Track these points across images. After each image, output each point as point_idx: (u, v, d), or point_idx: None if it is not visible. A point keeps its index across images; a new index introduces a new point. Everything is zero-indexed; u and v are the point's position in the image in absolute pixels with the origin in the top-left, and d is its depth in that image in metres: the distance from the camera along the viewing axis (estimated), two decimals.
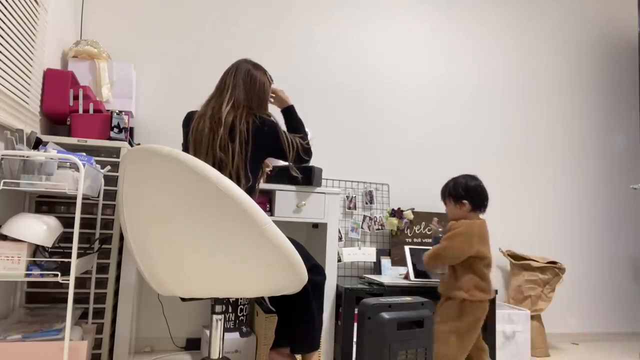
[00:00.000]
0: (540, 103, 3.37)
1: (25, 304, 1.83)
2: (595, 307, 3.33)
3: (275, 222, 1.45)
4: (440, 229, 2.07)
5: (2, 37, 1.58)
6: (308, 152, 1.86)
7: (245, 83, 1.73)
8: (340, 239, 2.73)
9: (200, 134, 1.64)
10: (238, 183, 1.63)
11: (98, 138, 1.98)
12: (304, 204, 2.19)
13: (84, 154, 1.68)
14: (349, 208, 2.80)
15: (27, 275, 1.42)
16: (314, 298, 1.75)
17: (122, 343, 1.94)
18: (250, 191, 1.67)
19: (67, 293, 1.44)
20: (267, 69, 1.86)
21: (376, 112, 2.99)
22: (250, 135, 1.65)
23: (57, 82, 2.01)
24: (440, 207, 3.01)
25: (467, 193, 1.97)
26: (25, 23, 1.77)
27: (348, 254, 2.53)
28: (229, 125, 1.64)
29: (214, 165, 1.62)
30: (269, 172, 2.11)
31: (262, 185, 2.01)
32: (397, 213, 2.78)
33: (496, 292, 2.39)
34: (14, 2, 1.66)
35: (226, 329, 2.23)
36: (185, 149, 1.71)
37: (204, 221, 1.33)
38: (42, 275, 1.43)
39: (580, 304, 3.30)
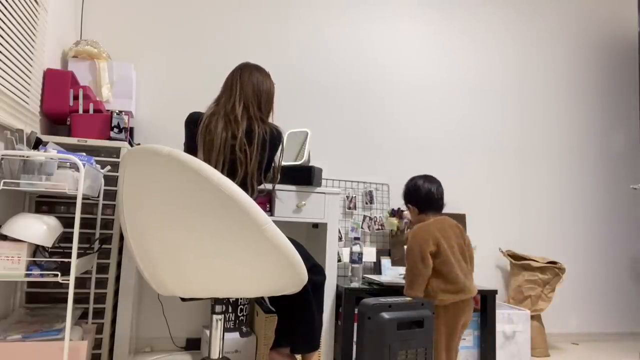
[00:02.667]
0: (540, 103, 3.37)
1: (25, 304, 1.83)
2: (595, 307, 3.33)
3: (275, 222, 1.45)
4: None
5: (2, 37, 1.57)
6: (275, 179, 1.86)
7: (253, 84, 1.73)
8: (340, 239, 2.73)
9: (212, 133, 1.64)
10: (251, 185, 1.65)
11: (98, 138, 1.98)
12: (304, 204, 2.19)
13: (84, 154, 1.68)
14: (349, 208, 2.80)
15: (27, 275, 1.42)
16: (314, 298, 1.75)
17: (122, 343, 1.94)
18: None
19: (67, 293, 1.44)
20: (268, 68, 1.86)
21: (376, 112, 2.99)
22: (268, 143, 1.68)
23: (57, 82, 2.01)
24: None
25: (409, 197, 1.96)
26: (25, 23, 1.77)
27: (348, 254, 2.52)
28: (245, 127, 1.65)
29: (224, 164, 1.62)
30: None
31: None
32: (397, 213, 2.78)
33: (496, 291, 2.40)
34: (14, 2, 1.66)
35: (226, 329, 2.23)
36: (189, 149, 1.70)
37: (204, 221, 1.33)
38: (42, 275, 1.43)
39: (580, 304, 3.30)
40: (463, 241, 1.87)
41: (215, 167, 1.61)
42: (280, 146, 1.76)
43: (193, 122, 1.69)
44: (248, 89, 1.72)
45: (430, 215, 1.91)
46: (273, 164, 1.78)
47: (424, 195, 1.91)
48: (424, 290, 1.79)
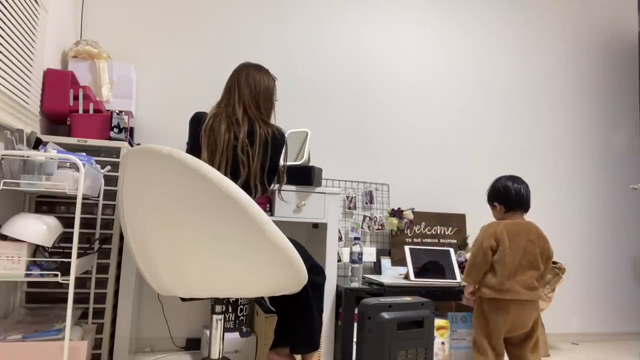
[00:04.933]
0: (541, 103, 3.37)
1: (25, 304, 1.83)
2: (596, 307, 3.33)
3: (275, 222, 1.45)
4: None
5: (2, 37, 1.57)
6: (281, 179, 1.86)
7: (250, 85, 1.74)
8: (340, 239, 2.73)
9: (215, 133, 1.64)
10: (255, 187, 1.65)
11: (98, 138, 1.98)
12: (304, 204, 2.19)
13: (84, 154, 1.68)
14: (349, 208, 2.80)
15: (27, 275, 1.42)
16: (314, 298, 1.75)
17: (122, 343, 1.94)
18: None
19: (67, 293, 1.44)
20: (267, 67, 1.86)
21: (376, 111, 2.99)
22: (270, 145, 1.68)
23: (57, 82, 2.01)
24: (440, 207, 3.03)
25: (494, 196, 2.04)
26: (25, 23, 1.77)
27: (348, 254, 2.52)
28: (247, 128, 1.66)
29: (227, 165, 1.63)
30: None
31: None
32: (397, 213, 2.78)
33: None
34: (14, 2, 1.66)
35: (226, 329, 2.23)
36: (192, 148, 1.71)
37: (204, 221, 1.33)
38: (42, 275, 1.43)
39: (580, 304, 3.30)
40: (540, 250, 1.91)
41: (219, 168, 1.62)
42: (284, 148, 1.76)
43: (197, 121, 1.70)
44: (245, 91, 1.73)
45: (515, 215, 2.00)
46: (279, 166, 1.78)
47: (513, 197, 1.99)
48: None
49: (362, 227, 2.80)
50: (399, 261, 2.70)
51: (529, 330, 1.90)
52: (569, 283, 3.26)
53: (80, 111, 2.02)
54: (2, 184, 1.40)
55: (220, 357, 1.63)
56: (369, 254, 2.67)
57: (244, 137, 1.64)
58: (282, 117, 2.71)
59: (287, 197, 2.16)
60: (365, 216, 2.83)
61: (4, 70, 1.60)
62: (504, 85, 3.29)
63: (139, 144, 2.22)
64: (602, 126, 3.50)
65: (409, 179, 3.01)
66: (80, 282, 1.88)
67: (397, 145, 3.01)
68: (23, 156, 1.45)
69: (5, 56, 1.61)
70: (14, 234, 1.42)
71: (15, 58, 1.70)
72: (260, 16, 2.81)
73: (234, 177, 1.62)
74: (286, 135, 1.80)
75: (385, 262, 2.70)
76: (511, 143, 3.27)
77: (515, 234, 1.90)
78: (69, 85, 2.02)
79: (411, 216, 2.79)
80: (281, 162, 1.78)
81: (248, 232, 1.33)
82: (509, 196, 1.99)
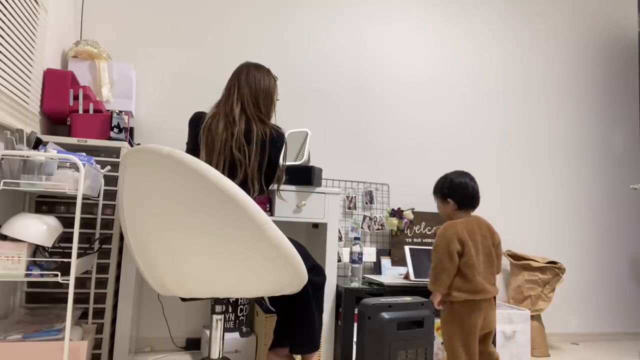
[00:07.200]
0: (541, 103, 3.37)
1: (25, 304, 1.83)
2: (596, 307, 3.33)
3: (275, 222, 1.45)
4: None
5: (2, 37, 1.57)
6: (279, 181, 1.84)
7: (250, 84, 1.74)
8: (340, 239, 2.73)
9: (213, 133, 1.64)
10: (252, 186, 1.65)
11: (98, 138, 1.98)
12: (304, 204, 2.19)
13: (84, 154, 1.67)
14: (349, 208, 2.80)
15: (27, 275, 1.42)
16: (314, 298, 1.75)
17: (122, 343, 1.94)
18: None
19: (67, 293, 1.44)
20: (268, 68, 1.85)
21: (376, 111, 2.99)
22: (267, 144, 1.67)
23: (57, 82, 2.01)
24: None
25: (451, 191, 1.94)
26: (25, 23, 1.77)
27: (348, 254, 2.53)
28: (244, 128, 1.66)
29: (225, 165, 1.63)
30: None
31: None
32: (397, 213, 2.78)
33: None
34: (14, 2, 1.66)
35: (226, 329, 2.23)
36: (192, 148, 1.71)
37: (204, 221, 1.33)
38: (42, 275, 1.43)
39: (580, 304, 3.30)
40: (492, 242, 1.89)
41: (216, 168, 1.61)
42: (284, 147, 1.76)
43: (197, 121, 1.70)
44: (245, 90, 1.72)
45: (464, 212, 1.92)
46: (279, 166, 1.77)
47: (469, 195, 1.91)
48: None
49: (362, 227, 2.80)
50: (399, 261, 2.70)
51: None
52: (569, 283, 3.26)
53: (80, 111, 2.02)
54: (2, 184, 1.40)
55: (220, 357, 1.63)
56: (369, 254, 2.67)
57: (240, 135, 1.64)
58: (283, 117, 2.71)
59: (287, 197, 2.16)
60: (365, 216, 2.83)
61: (4, 70, 1.60)
62: (503, 85, 3.29)
63: (139, 144, 2.21)
64: (602, 126, 3.50)
65: (409, 179, 3.01)
66: (80, 282, 1.87)
67: (397, 145, 3.01)
68: (23, 156, 1.45)
69: (5, 56, 1.61)
70: (14, 234, 1.42)
71: (15, 58, 1.70)
72: (260, 16, 2.81)
73: (231, 177, 1.62)
74: (286, 135, 1.80)
75: (385, 262, 2.70)
76: (511, 142, 3.27)
77: (472, 233, 1.84)
78: (69, 85, 2.02)
79: (411, 216, 2.79)
80: (281, 162, 1.77)
81: (248, 232, 1.33)
82: (465, 193, 1.91)
